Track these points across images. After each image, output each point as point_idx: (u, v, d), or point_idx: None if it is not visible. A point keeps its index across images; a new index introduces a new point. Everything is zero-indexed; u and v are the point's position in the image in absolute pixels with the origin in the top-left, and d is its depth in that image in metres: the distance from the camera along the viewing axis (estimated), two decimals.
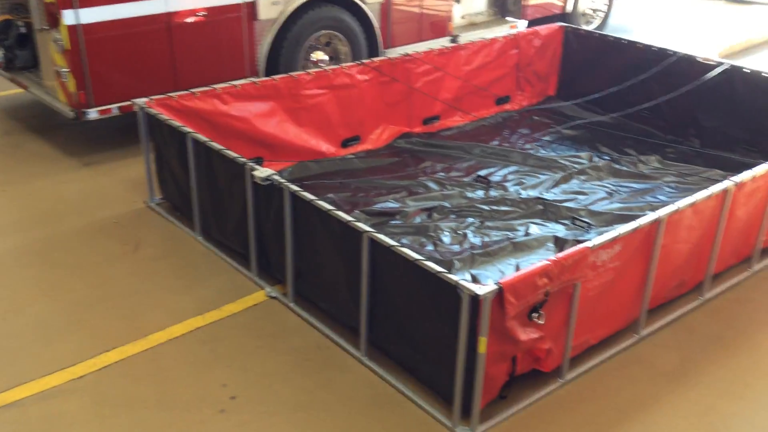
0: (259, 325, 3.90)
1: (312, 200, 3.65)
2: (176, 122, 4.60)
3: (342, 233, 3.56)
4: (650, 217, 3.60)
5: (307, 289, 4.01)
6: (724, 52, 8.75)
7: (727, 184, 3.94)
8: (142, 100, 4.81)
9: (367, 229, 3.41)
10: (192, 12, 5.76)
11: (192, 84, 5.46)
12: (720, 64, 5.99)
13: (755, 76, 5.81)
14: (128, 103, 5.17)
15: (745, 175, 4.03)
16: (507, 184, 5.33)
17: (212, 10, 5.85)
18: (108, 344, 3.73)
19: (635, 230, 3.51)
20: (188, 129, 4.49)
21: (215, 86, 5.11)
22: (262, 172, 3.87)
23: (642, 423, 3.33)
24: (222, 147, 4.24)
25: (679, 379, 3.60)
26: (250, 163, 4.01)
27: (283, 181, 3.82)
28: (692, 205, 3.76)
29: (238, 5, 5.98)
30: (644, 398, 3.48)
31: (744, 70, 5.91)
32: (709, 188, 3.90)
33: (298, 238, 3.86)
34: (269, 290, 4.15)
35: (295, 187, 3.75)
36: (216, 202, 4.46)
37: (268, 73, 6.14)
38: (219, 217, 4.49)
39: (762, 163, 4.22)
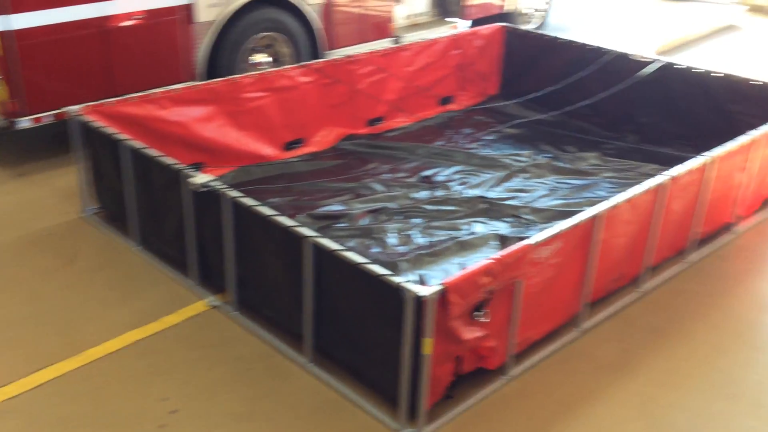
0: (201, 336, 3.82)
1: (252, 206, 3.60)
2: (111, 129, 4.49)
3: (284, 239, 3.52)
4: (588, 212, 3.66)
5: (249, 297, 3.95)
6: (661, 48, 8.99)
7: (661, 178, 4.03)
8: (75, 108, 4.67)
9: (310, 233, 3.38)
10: (127, 16, 5.63)
11: (129, 90, 5.34)
12: (654, 61, 6.14)
13: (687, 72, 5.98)
14: (63, 110, 5.02)
15: (679, 169, 4.13)
16: (451, 184, 5.37)
17: (148, 14, 5.73)
18: (42, 362, 3.61)
19: (574, 226, 3.56)
20: (123, 136, 4.38)
21: (152, 91, 5.00)
22: (199, 178, 3.80)
23: (585, 416, 3.38)
24: (158, 153, 4.15)
25: (619, 371, 3.67)
26: (187, 170, 3.94)
27: (221, 186, 3.75)
28: (629, 199, 3.84)
29: (174, 8, 5.86)
30: (587, 391, 3.53)
31: (677, 66, 6.07)
32: (645, 183, 3.99)
33: (240, 245, 3.81)
34: (210, 299, 4.08)
35: (234, 193, 3.69)
36: (154, 210, 4.36)
37: (207, 77, 6.04)
38: (157, 225, 4.39)
39: (695, 157, 4.33)
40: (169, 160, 4.07)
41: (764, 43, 9.86)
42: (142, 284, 4.25)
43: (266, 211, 3.57)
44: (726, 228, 4.94)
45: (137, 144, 4.28)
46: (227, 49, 6.22)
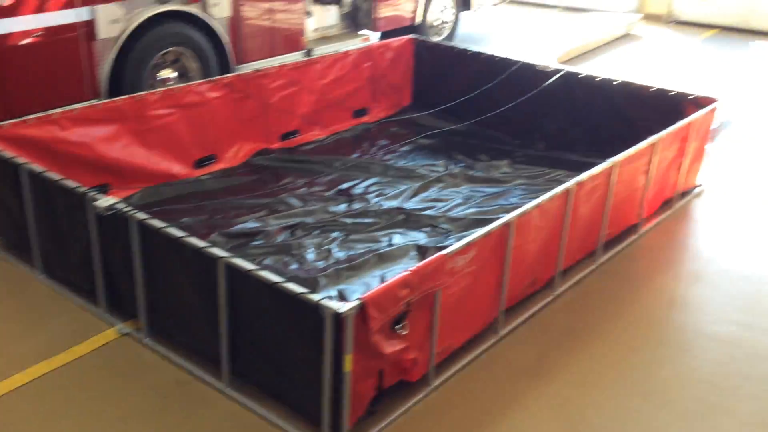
0: (112, 365, 3.66)
1: (161, 228, 3.48)
2: (8, 153, 4.26)
3: (196, 260, 3.42)
4: (500, 220, 3.73)
5: (162, 323, 3.82)
6: (562, 57, 9.31)
7: (568, 184, 4.16)
8: None
9: (222, 254, 3.30)
10: (24, 34, 5.37)
11: (28, 111, 5.06)
12: (558, 70, 6.35)
13: (589, 80, 6.21)
14: None
15: (585, 175, 4.27)
16: (369, 196, 5.38)
17: (46, 31, 5.48)
18: None
19: (488, 234, 3.62)
20: (21, 159, 4.16)
21: (52, 112, 4.78)
22: (104, 201, 3.65)
23: (505, 421, 3.43)
24: (60, 177, 3.96)
25: (537, 375, 3.75)
26: (91, 193, 3.78)
27: (127, 209, 3.62)
28: (538, 206, 3.94)
29: (74, 24, 5.64)
30: (507, 397, 3.59)
31: (579, 75, 6.30)
32: (553, 189, 4.10)
33: (149, 269, 3.67)
34: (121, 327, 3.92)
35: (141, 215, 3.57)
36: (57, 236, 4.16)
37: (111, 95, 5.83)
38: (61, 252, 4.19)
39: (600, 162, 4.49)
40: (71, 184, 3.90)
41: (659, 51, 10.38)
42: (47, 314, 4.04)
43: (176, 232, 3.46)
44: (631, 229, 5.14)
45: (37, 168, 4.08)
46: (132, 65, 6.02)
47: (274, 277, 3.15)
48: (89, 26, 5.72)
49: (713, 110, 5.54)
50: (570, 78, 6.28)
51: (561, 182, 4.24)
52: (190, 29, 6.40)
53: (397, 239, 4.76)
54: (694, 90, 5.88)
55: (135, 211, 3.61)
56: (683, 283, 4.67)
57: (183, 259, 3.50)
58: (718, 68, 9.54)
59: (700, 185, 5.93)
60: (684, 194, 5.75)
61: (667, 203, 5.55)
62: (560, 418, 3.46)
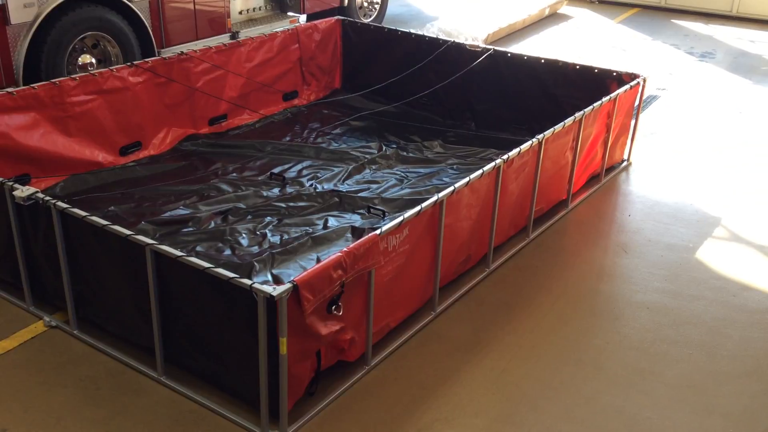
0: (40, 359, 3.54)
1: (84, 216, 3.36)
2: None
3: (122, 249, 3.32)
4: (432, 199, 3.75)
5: (91, 313, 3.70)
6: (489, 38, 9.41)
7: (497, 161, 4.21)
8: None
9: (149, 241, 3.21)
10: None
11: None
12: (486, 50, 6.41)
13: (517, 59, 6.30)
14: None
15: (513, 152, 4.33)
16: (302, 180, 5.32)
17: None
18: None
19: (419, 213, 3.64)
20: None
21: None
22: (24, 191, 3.49)
23: (444, 396, 3.47)
24: None
25: (473, 349, 3.81)
26: (10, 182, 3.61)
27: (48, 198, 3.48)
28: (468, 184, 3.98)
29: None
30: (445, 372, 3.63)
31: (507, 54, 6.38)
32: (483, 167, 4.15)
33: (75, 259, 3.55)
34: (48, 319, 3.78)
35: (63, 204, 3.43)
36: None
37: (27, 82, 5.58)
38: None
39: (529, 140, 4.57)
40: None
41: (584, 30, 10.62)
42: None
43: (100, 221, 3.35)
44: (561, 204, 5.26)
45: None
46: (48, 51, 5.78)
47: (204, 263, 3.09)
48: (1, 11, 5.45)
49: (637, 86, 5.70)
50: (498, 57, 6.35)
51: (491, 161, 4.29)
52: (109, 13, 6.18)
53: (333, 222, 4.73)
54: (619, 67, 6.04)
55: (57, 200, 3.47)
56: (611, 255, 4.82)
57: (109, 248, 3.40)
58: (641, 46, 9.83)
59: (626, 160, 6.11)
60: (611, 169, 5.91)
61: (595, 178, 5.70)
62: (497, 390, 3.53)
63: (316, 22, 6.99)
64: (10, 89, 4.84)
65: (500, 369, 3.67)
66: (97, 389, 3.36)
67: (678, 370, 3.75)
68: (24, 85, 5.50)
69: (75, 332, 3.70)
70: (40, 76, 5.69)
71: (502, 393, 3.51)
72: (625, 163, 6.10)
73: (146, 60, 5.59)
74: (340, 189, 5.19)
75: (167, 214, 4.66)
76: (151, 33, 6.53)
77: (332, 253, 4.06)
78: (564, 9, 11.77)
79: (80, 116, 5.08)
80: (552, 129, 4.69)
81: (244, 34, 7.37)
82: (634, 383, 3.63)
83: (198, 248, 4.28)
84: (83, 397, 3.31)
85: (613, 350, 3.87)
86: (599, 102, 5.19)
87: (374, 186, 5.29)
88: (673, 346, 3.93)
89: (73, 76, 5.15)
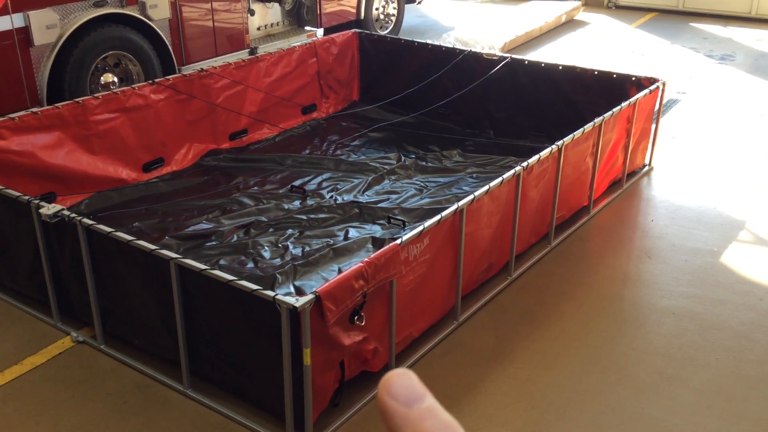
0: (68, 374, 3.58)
1: (110, 232, 3.41)
2: None
3: (147, 263, 3.36)
4: (452, 208, 3.75)
5: (118, 328, 3.75)
6: (506, 46, 9.41)
7: (517, 168, 4.21)
8: None
9: (174, 255, 3.25)
10: None
11: None
12: (503, 58, 6.42)
13: (534, 66, 6.29)
14: None
15: (532, 159, 4.33)
16: (322, 192, 5.35)
17: None
18: None
19: (440, 222, 3.64)
20: None
21: None
22: (50, 208, 3.55)
23: (469, 405, 3.46)
24: (2, 186, 3.85)
25: (497, 358, 3.79)
26: (36, 200, 3.68)
27: (74, 215, 3.53)
28: (488, 192, 3.98)
29: (8, 32, 5.48)
30: (469, 380, 3.62)
31: (524, 61, 6.37)
32: (502, 175, 4.15)
33: (101, 275, 3.60)
34: (75, 335, 3.84)
35: (88, 221, 3.49)
36: (3, 246, 4.04)
37: (52, 101, 5.69)
38: (9, 262, 4.07)
39: (548, 146, 4.56)
40: (15, 193, 3.79)
41: (602, 36, 10.59)
42: None
43: (125, 236, 3.40)
44: (583, 210, 5.23)
45: None
46: (71, 71, 5.89)
47: (228, 276, 3.12)
48: (24, 33, 5.57)
49: (657, 90, 5.67)
50: (516, 65, 6.35)
51: (511, 169, 4.29)
52: (129, 32, 6.28)
53: (353, 233, 4.75)
54: (638, 72, 6.01)
55: (82, 217, 3.53)
56: (635, 261, 4.78)
57: (134, 263, 3.44)
58: (660, 50, 9.78)
59: (647, 164, 6.07)
60: (632, 174, 5.88)
61: (616, 183, 5.66)
62: (522, 398, 3.51)
63: (333, 35, 7.05)
64: (34, 109, 4.94)
65: (525, 377, 3.65)
66: (124, 403, 3.40)
67: (705, 375, 3.71)
68: (48, 104, 5.60)
69: (102, 347, 3.75)
70: (64, 95, 5.79)
71: (527, 402, 3.49)
72: (646, 168, 6.06)
73: (167, 77, 5.68)
74: (360, 200, 5.21)
75: (190, 228, 4.71)
76: (171, 51, 6.62)
77: (353, 264, 4.09)
78: (581, 15, 11.75)
79: (104, 134, 5.16)
80: (571, 135, 4.67)
81: (263, 49, 7.44)
82: (661, 389, 3.59)
83: (221, 261, 4.32)
84: (111, 411, 3.35)
85: (638, 356, 3.83)
86: (618, 107, 5.16)
87: (394, 196, 5.31)
88: (699, 352, 3.88)
89: (96, 94, 5.24)
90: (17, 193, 3.79)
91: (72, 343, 3.81)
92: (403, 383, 0.61)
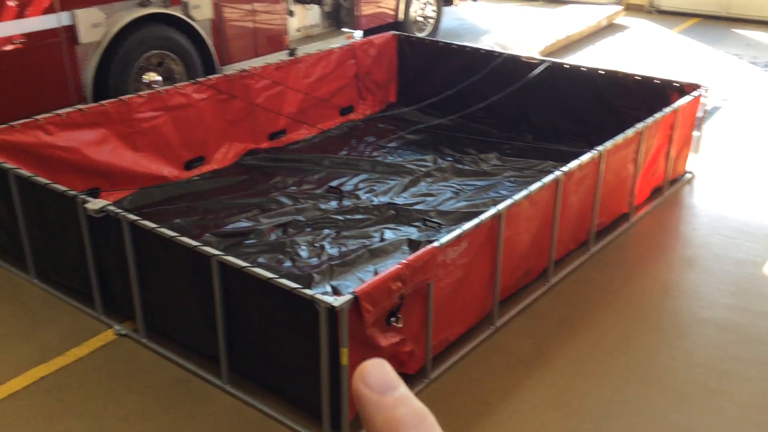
0: (111, 366, 3.65)
1: (153, 228, 3.47)
2: None
3: (189, 259, 3.41)
4: (491, 211, 3.74)
5: (159, 322, 3.81)
6: (546, 50, 9.34)
7: (557, 173, 4.18)
8: None
9: (215, 252, 3.29)
10: (5, 40, 5.33)
11: (11, 117, 5.03)
12: (543, 62, 6.37)
13: (575, 70, 6.24)
14: None
15: (573, 164, 4.29)
16: (359, 193, 5.37)
17: (27, 37, 5.44)
18: None
19: (478, 226, 3.63)
20: (9, 165, 4.13)
21: (37, 117, 4.74)
22: (95, 203, 3.63)
23: (505, 411, 3.44)
24: (49, 181, 3.94)
25: (534, 364, 3.76)
26: (82, 196, 3.75)
27: (119, 211, 3.60)
28: (528, 196, 3.96)
29: (56, 30, 5.60)
30: (505, 386, 3.60)
31: (564, 65, 6.32)
32: (542, 180, 4.12)
33: (144, 270, 3.66)
34: (118, 328, 3.90)
35: (133, 216, 3.55)
36: (49, 240, 4.13)
37: (96, 99, 5.79)
38: (54, 256, 4.16)
39: (588, 151, 4.51)
40: (61, 188, 3.87)
41: (643, 41, 10.45)
42: (43, 318, 4.02)
43: (168, 232, 3.45)
44: (623, 218, 5.17)
45: (26, 173, 4.05)
46: (116, 69, 5.99)
47: (268, 273, 3.15)
48: (71, 31, 5.69)
49: (699, 97, 5.58)
50: (555, 69, 6.30)
51: (550, 173, 4.25)
52: (173, 32, 6.37)
53: (389, 234, 4.76)
54: (680, 77, 5.92)
55: (127, 212, 3.59)
56: (676, 270, 4.71)
57: (177, 259, 3.49)
58: (702, 56, 9.62)
59: (689, 172, 5.98)
60: (674, 181, 5.79)
61: (657, 191, 5.58)
62: (559, 406, 3.47)
63: (371, 37, 7.07)
64: (80, 106, 5.04)
65: (562, 385, 3.62)
66: (165, 396, 3.45)
67: (748, 389, 3.63)
68: (93, 101, 5.72)
69: (143, 341, 3.81)
70: (108, 93, 5.90)
71: (564, 410, 3.46)
72: (688, 176, 5.96)
73: (209, 77, 5.75)
74: (396, 202, 5.22)
75: (230, 226, 4.76)
76: (212, 51, 6.71)
77: (389, 266, 4.09)
78: (621, 19, 11.61)
79: (147, 132, 5.25)
80: (612, 140, 4.62)
81: (302, 50, 7.49)
82: (702, 402, 3.53)
83: (259, 259, 4.36)
84: (152, 404, 3.40)
85: (679, 367, 3.77)
86: (661, 113, 5.09)
87: (430, 199, 5.30)
88: (742, 364, 3.80)
89: (140, 93, 5.34)
90: (63, 188, 3.87)
91: (115, 336, 3.88)
92: (377, 372, 0.63)
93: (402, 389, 0.63)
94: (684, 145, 5.74)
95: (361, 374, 0.63)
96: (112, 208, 3.64)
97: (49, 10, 5.51)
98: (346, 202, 5.20)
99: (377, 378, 0.63)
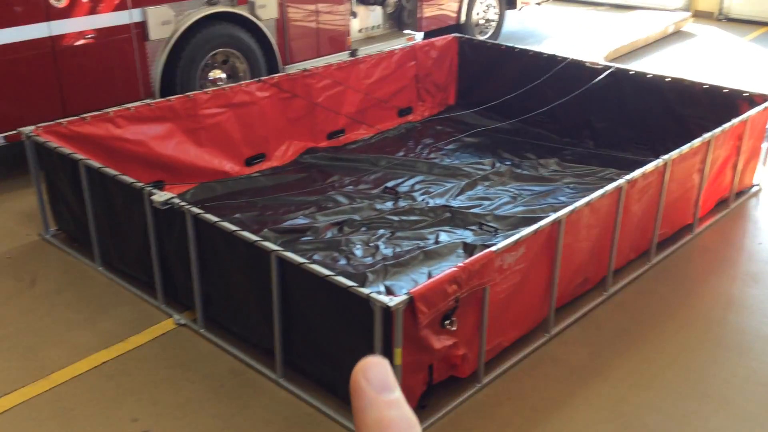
0: (169, 355, 3.74)
1: (215, 222, 3.55)
2: (67, 149, 4.38)
3: (249, 254, 3.47)
4: (550, 218, 3.69)
5: (217, 314, 3.89)
6: (610, 55, 9.17)
7: (620, 182, 4.10)
8: (29, 129, 4.56)
9: (275, 247, 3.34)
10: (78, 35, 5.53)
11: (83, 109, 5.22)
12: (607, 67, 6.26)
13: (640, 77, 6.11)
14: (15, 132, 4.89)
15: (636, 173, 4.20)
16: (415, 194, 5.38)
17: (100, 32, 5.63)
18: (8, 387, 3.50)
19: (537, 232, 3.59)
20: (80, 156, 4.28)
21: (107, 110, 4.91)
22: (161, 196, 3.73)
23: (558, 420, 3.40)
24: (117, 172, 4.07)
25: (590, 374, 3.70)
26: (148, 188, 3.86)
27: (183, 204, 3.69)
28: (589, 204, 3.89)
29: (127, 26, 5.78)
30: (558, 395, 3.55)
31: (629, 72, 6.20)
32: (604, 187, 4.05)
33: (205, 262, 3.74)
34: (177, 317, 4.00)
35: (196, 210, 3.64)
36: (115, 230, 4.27)
37: (164, 94, 5.96)
38: (119, 245, 4.30)
39: (652, 160, 4.42)
40: (129, 179, 3.99)
41: (711, 49, 10.16)
42: (106, 305, 4.15)
43: (230, 226, 3.52)
44: (686, 229, 5.03)
45: (95, 164, 4.19)
46: (183, 65, 6.14)
47: (325, 271, 3.18)
48: (141, 28, 5.86)
49: None
50: (620, 75, 6.18)
51: (611, 181, 4.18)
52: (239, 30, 6.50)
53: (444, 237, 4.74)
54: (749, 87, 5.74)
55: (190, 205, 3.69)
56: (740, 285, 4.56)
57: (237, 253, 3.56)
58: None
59: (756, 185, 5.78)
60: (740, 194, 5.61)
61: (722, 203, 5.42)
62: (614, 419, 3.41)
63: (432, 39, 7.07)
64: (148, 101, 5.19)
65: (618, 396, 3.55)
66: (220, 387, 3.52)
67: None
68: (161, 97, 5.88)
69: (201, 331, 3.89)
70: (175, 89, 6.05)
71: (619, 422, 3.39)
72: (755, 188, 5.77)
73: (272, 76, 5.85)
74: (452, 204, 5.20)
75: (288, 223, 4.83)
76: (276, 50, 6.81)
77: (443, 268, 4.09)
78: (689, 27, 11.32)
79: (211, 128, 5.37)
80: (678, 150, 4.51)
81: (363, 51, 7.54)
82: (764, 421, 3.41)
83: (315, 256, 4.40)
84: (207, 394, 3.48)
85: (741, 385, 3.66)
86: (729, 123, 4.95)
87: (486, 203, 5.27)
88: None
89: (205, 89, 5.46)
90: (131, 180, 3.99)
91: (174, 325, 3.97)
92: (378, 370, 0.64)
93: (398, 393, 0.64)
94: (752, 157, 5.56)
95: (363, 368, 0.64)
96: (176, 200, 3.73)
97: (121, 6, 5.69)
98: (402, 203, 5.21)
99: (377, 375, 0.64)
